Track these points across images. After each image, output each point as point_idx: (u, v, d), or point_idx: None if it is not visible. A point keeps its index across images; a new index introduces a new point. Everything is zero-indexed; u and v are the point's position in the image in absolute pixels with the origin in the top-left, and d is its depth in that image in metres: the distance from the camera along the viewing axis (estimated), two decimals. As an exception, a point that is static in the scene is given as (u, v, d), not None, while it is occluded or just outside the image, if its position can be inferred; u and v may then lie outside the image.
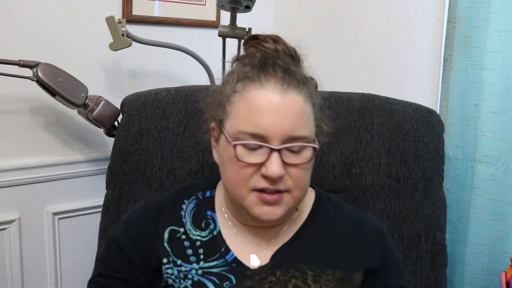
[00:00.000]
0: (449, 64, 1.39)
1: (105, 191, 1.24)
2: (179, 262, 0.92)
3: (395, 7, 1.62)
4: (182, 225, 0.95)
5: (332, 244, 0.95)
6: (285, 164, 0.83)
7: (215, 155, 0.94)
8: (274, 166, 0.82)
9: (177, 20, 1.74)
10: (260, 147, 0.83)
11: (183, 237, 0.94)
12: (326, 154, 1.21)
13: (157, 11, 1.70)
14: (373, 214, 1.15)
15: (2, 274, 1.48)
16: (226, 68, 0.98)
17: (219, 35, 1.47)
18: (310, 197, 1.01)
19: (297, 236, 0.96)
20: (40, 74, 1.31)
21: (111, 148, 1.25)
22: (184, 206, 0.97)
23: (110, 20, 1.43)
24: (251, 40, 0.93)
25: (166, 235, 0.94)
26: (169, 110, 1.21)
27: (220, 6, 1.44)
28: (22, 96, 1.47)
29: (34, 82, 1.33)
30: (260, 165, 0.83)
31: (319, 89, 0.94)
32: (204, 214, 0.96)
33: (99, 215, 1.24)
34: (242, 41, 0.97)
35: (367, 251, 0.96)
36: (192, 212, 0.96)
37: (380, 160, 1.21)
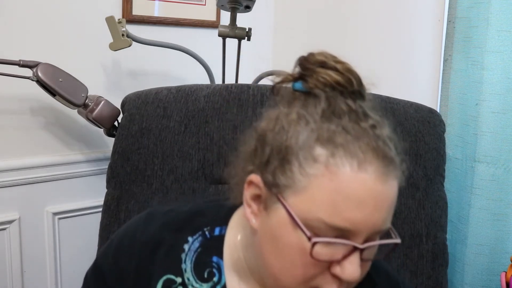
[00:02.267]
0: (449, 64, 1.39)
1: (105, 191, 1.24)
2: None
3: (395, 7, 1.62)
4: (181, 273, 0.78)
5: None
6: (361, 261, 0.66)
7: (251, 217, 0.71)
8: (355, 269, 0.64)
9: (177, 20, 1.74)
10: (343, 243, 0.64)
11: None
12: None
13: (157, 11, 1.70)
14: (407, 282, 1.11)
15: (2, 274, 1.48)
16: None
17: (219, 35, 1.47)
18: None
19: None
20: (40, 74, 1.31)
21: (111, 148, 1.25)
22: (186, 247, 0.79)
23: (110, 20, 1.43)
24: (319, 67, 0.67)
25: (159, 286, 0.77)
26: (170, 109, 1.21)
27: (220, 6, 1.44)
28: (22, 96, 1.47)
29: (34, 82, 1.33)
30: (333, 261, 0.65)
31: None
32: (208, 260, 0.78)
33: (99, 215, 1.24)
34: (300, 58, 0.70)
35: None
36: (196, 255, 0.78)
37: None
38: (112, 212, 1.20)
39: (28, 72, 1.33)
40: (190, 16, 1.76)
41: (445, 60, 1.41)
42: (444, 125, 1.28)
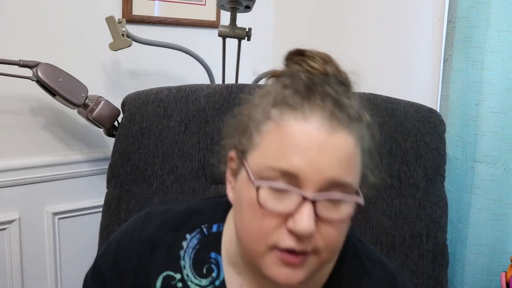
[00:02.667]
0: (449, 64, 1.39)
1: (105, 191, 1.24)
2: None
3: (395, 7, 1.62)
4: (180, 269, 0.78)
5: None
6: (318, 218, 0.64)
7: (229, 192, 0.75)
8: (304, 220, 0.63)
9: (177, 20, 1.74)
10: (290, 191, 0.64)
11: (179, 285, 0.78)
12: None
13: (157, 11, 1.70)
14: (404, 275, 1.11)
15: (2, 274, 1.48)
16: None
17: (219, 35, 1.47)
18: None
19: None
20: (40, 74, 1.31)
21: (111, 148, 1.25)
22: (184, 244, 0.79)
23: (110, 20, 1.43)
24: (296, 56, 0.73)
25: (158, 283, 0.78)
26: (170, 109, 1.21)
27: (220, 6, 1.45)
28: (22, 96, 1.47)
29: (34, 82, 1.33)
30: (287, 216, 0.65)
31: None
32: (207, 257, 0.79)
33: (99, 215, 1.24)
34: (286, 54, 0.76)
35: None
36: (194, 251, 0.79)
37: (381, 160, 1.21)
38: (113, 212, 1.20)
39: (28, 72, 1.33)
40: (190, 16, 1.76)
41: (445, 60, 1.41)
42: (444, 125, 1.28)
